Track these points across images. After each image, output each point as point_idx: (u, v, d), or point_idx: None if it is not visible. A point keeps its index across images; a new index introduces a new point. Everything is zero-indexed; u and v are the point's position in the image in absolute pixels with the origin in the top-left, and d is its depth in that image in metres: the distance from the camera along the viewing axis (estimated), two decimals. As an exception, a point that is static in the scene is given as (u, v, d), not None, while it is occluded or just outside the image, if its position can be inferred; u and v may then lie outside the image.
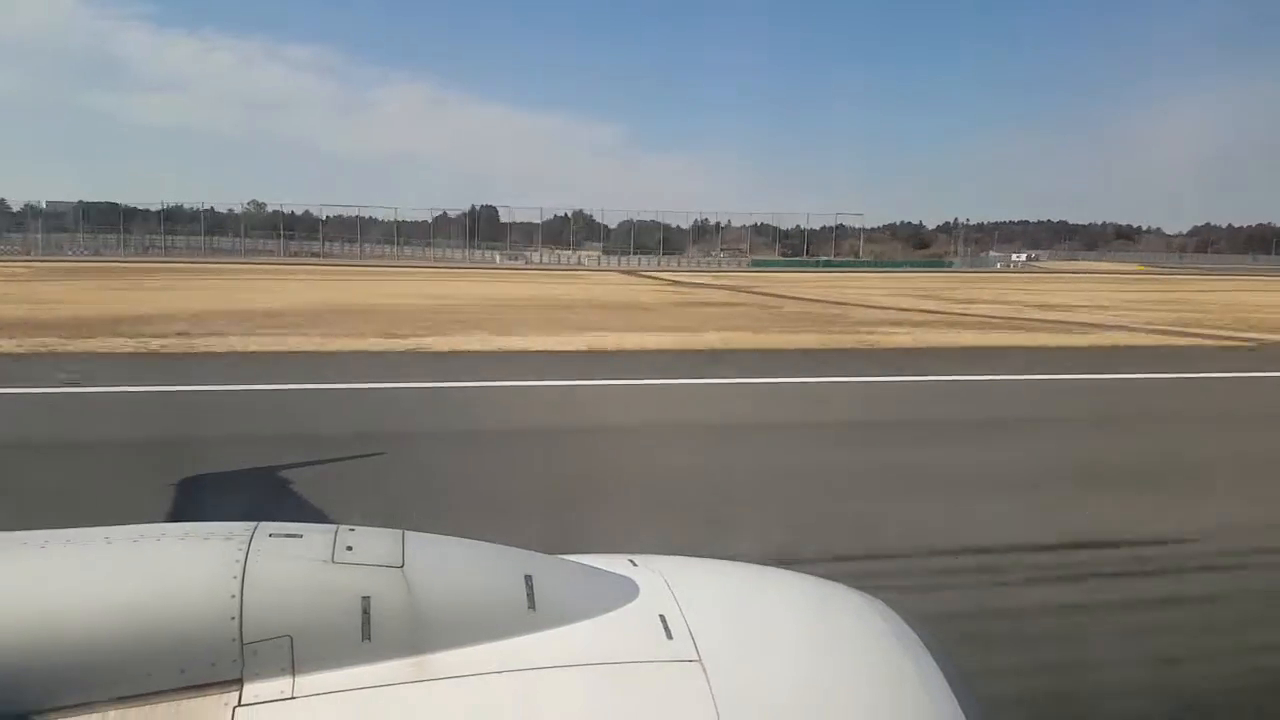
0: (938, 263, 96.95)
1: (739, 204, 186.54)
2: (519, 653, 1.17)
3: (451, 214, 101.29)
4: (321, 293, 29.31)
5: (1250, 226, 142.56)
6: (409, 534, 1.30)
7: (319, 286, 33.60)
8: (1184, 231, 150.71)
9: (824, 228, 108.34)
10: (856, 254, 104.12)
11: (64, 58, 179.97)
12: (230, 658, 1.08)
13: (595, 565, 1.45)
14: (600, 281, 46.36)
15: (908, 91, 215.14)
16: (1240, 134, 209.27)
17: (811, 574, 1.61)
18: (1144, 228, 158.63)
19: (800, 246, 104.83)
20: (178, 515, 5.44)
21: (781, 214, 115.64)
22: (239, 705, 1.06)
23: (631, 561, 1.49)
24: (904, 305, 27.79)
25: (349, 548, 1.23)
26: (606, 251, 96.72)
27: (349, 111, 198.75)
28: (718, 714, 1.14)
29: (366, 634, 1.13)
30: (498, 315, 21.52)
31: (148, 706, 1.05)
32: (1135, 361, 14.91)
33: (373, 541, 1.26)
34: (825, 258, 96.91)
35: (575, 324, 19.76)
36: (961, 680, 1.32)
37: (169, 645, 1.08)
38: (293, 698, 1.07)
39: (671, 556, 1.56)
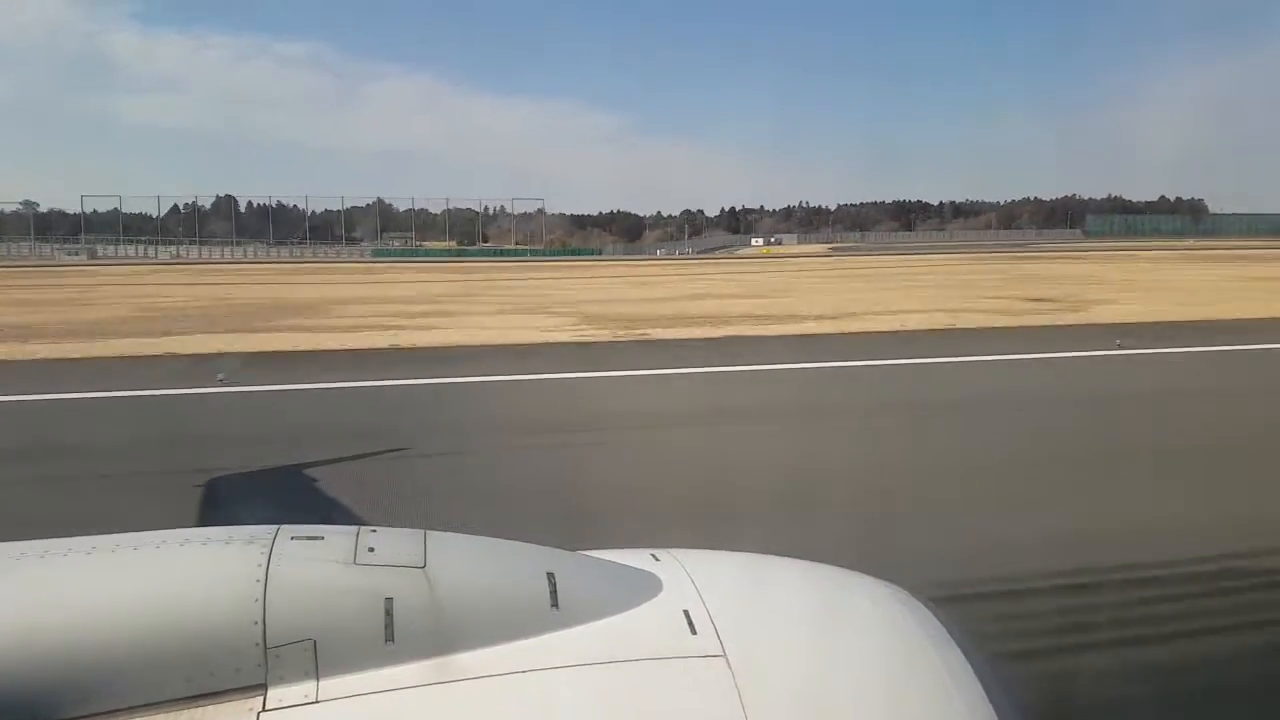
0: (589, 251, 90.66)
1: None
2: (543, 651, 1.16)
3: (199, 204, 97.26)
4: None
5: (1054, 199, 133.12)
6: (430, 533, 1.29)
7: None
8: (997, 205, 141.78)
9: (528, 213, 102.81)
10: (541, 240, 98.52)
11: (54, 58, 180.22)
12: (254, 662, 1.07)
13: (617, 561, 1.43)
14: None
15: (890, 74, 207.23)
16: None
17: (834, 565, 1.60)
18: (1002, 202, 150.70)
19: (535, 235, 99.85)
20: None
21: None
22: (264, 710, 1.04)
23: (653, 556, 1.47)
24: None
25: (370, 549, 1.21)
26: (269, 243, 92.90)
27: (343, 106, 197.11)
28: (743, 709, 1.11)
29: (390, 635, 1.11)
30: None
31: (173, 713, 1.04)
32: None
33: (394, 542, 1.24)
34: (476, 246, 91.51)
35: None
36: (988, 669, 1.30)
37: (194, 651, 1.07)
38: (317, 701, 1.06)
39: (693, 550, 1.53)
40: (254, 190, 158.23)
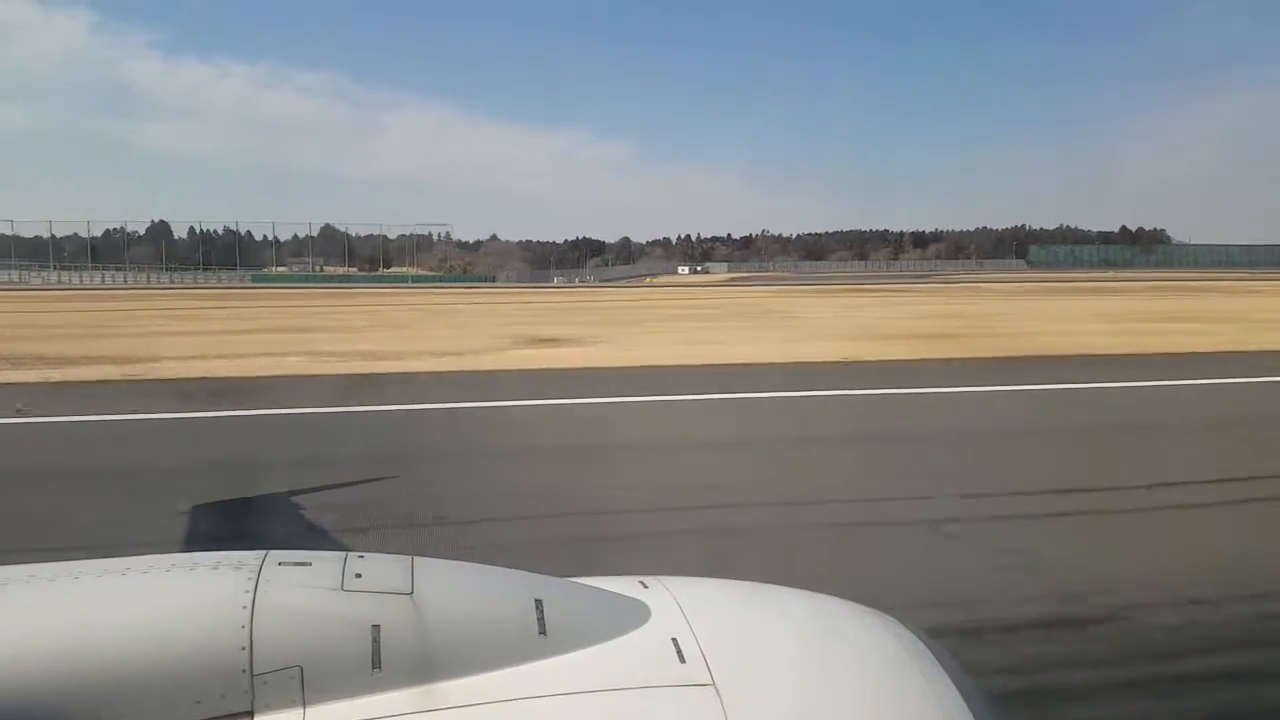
0: (482, 278, 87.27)
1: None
2: (530, 679, 1.15)
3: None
4: None
5: (1002, 229, 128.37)
6: (418, 560, 1.28)
7: None
8: (959, 233, 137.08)
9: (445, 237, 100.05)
10: (447, 266, 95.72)
11: (76, 87, 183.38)
12: (241, 689, 1.05)
13: (605, 587, 1.43)
14: None
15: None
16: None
17: (824, 594, 1.58)
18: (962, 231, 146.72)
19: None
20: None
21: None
22: None
23: (642, 583, 1.46)
24: None
25: (358, 575, 1.20)
26: (160, 269, 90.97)
27: (360, 135, 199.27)
28: None
29: (377, 663, 1.10)
30: None
31: None
32: None
33: (382, 568, 1.24)
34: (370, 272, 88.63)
35: None
36: (979, 698, 1.29)
37: (180, 678, 1.05)
38: None
39: (682, 577, 1.53)
40: (260, 216, 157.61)
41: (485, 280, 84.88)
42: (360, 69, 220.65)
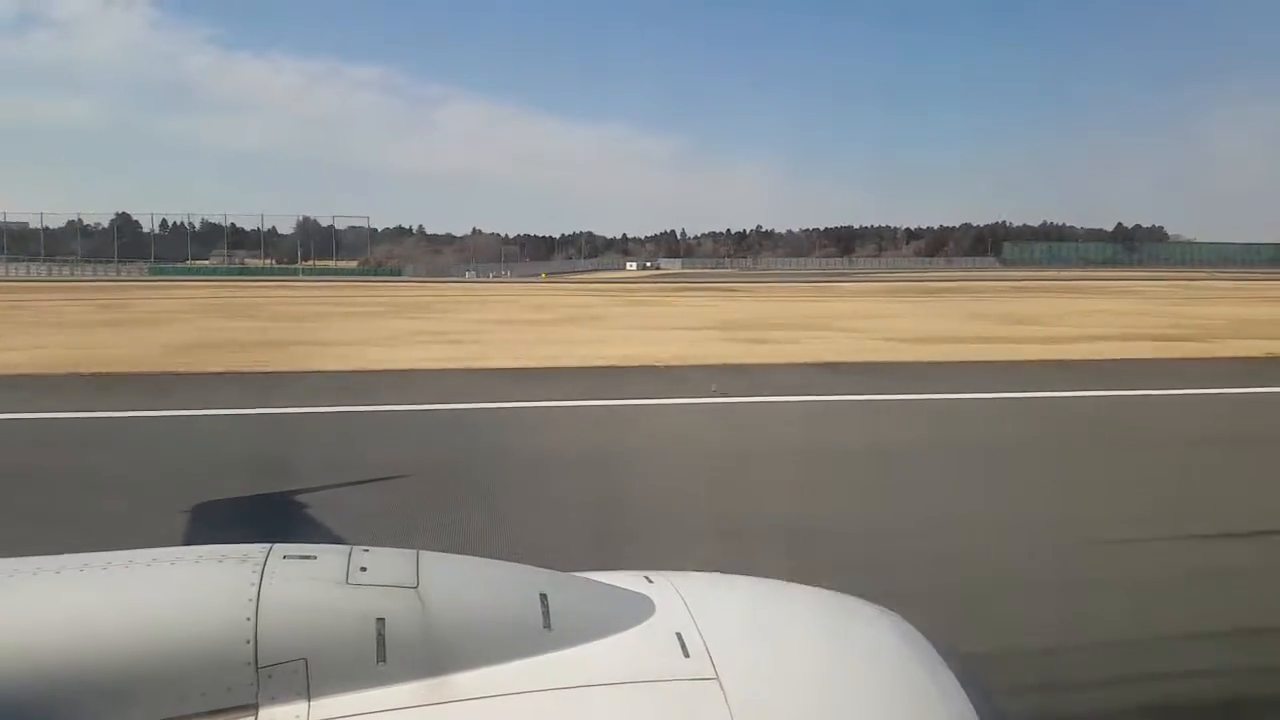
0: (388, 271, 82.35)
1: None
2: (535, 673, 1.15)
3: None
4: None
5: (980, 226, 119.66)
6: (423, 553, 1.28)
7: None
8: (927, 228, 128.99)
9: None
10: (362, 260, 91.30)
11: (135, 81, 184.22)
12: (246, 682, 1.05)
13: (610, 582, 1.42)
14: None
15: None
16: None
17: (828, 589, 1.57)
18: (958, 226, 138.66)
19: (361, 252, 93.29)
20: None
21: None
22: None
23: (647, 578, 1.45)
24: None
25: (363, 568, 1.19)
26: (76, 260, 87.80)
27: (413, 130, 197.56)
28: None
29: (381, 656, 1.10)
30: None
31: None
32: None
33: (387, 562, 1.23)
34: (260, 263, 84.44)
35: None
36: (981, 694, 1.28)
37: (185, 670, 1.05)
38: None
39: (687, 573, 1.52)
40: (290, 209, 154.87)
41: (391, 274, 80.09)
42: (411, 65, 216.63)
